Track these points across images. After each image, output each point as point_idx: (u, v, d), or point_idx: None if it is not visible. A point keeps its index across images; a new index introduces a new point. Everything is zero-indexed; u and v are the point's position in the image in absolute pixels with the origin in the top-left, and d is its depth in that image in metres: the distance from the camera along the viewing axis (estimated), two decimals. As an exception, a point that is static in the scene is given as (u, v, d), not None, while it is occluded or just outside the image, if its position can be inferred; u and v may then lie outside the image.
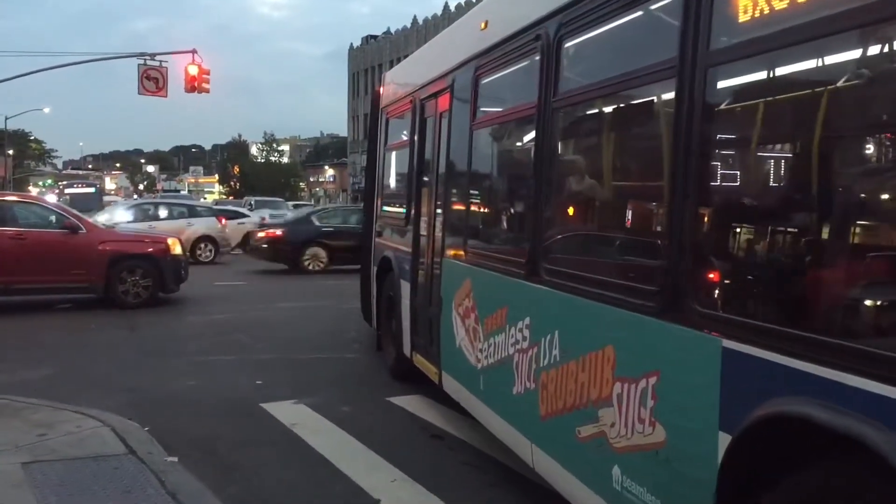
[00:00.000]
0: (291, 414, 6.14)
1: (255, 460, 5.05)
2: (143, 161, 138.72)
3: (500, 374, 4.34)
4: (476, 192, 5.44)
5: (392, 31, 66.54)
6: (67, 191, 40.67)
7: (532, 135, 4.18)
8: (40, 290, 11.61)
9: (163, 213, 20.74)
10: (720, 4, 2.60)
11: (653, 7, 3.23)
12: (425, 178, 6.52)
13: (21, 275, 11.07)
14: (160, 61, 23.07)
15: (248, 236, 23.63)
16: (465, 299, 5.04)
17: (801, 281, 2.42)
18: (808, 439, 2.09)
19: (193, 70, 22.65)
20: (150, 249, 12.22)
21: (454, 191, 5.68)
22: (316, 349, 8.83)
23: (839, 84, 2.30)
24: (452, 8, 54.19)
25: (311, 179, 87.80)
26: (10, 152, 59.86)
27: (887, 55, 2.12)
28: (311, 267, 17.55)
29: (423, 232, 6.35)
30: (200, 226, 20.32)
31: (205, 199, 55.04)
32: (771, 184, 2.67)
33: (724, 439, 2.38)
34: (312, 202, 62.97)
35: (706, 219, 2.71)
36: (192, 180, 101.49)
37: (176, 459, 4.82)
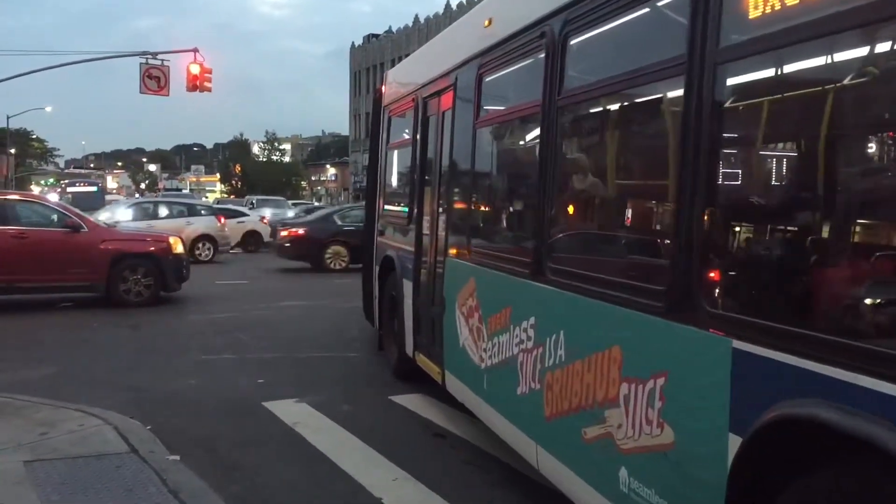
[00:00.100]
0: (293, 413, 6.13)
1: (257, 459, 5.05)
2: (144, 160, 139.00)
3: (505, 374, 4.31)
4: (480, 191, 5.41)
5: (393, 29, 66.53)
6: (69, 189, 40.80)
7: (537, 133, 4.14)
8: (42, 289, 11.61)
9: (162, 211, 20.76)
10: (730, 0, 2.56)
11: (660, 3, 3.19)
12: (428, 177, 6.49)
13: (23, 273, 11.08)
14: (162, 60, 23.12)
15: (247, 235, 23.77)
16: (468, 299, 5.02)
17: (813, 280, 2.38)
18: (821, 441, 2.06)
19: (195, 69, 22.67)
20: (152, 248, 12.23)
21: (457, 190, 5.65)
22: (317, 348, 8.83)
23: (851, 82, 2.26)
24: (454, 7, 54.16)
25: (313, 178, 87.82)
26: (12, 151, 59.91)
27: None
28: (333, 265, 17.60)
29: (426, 231, 6.32)
30: (200, 225, 20.34)
31: (206, 197, 55.06)
32: (782, 182, 2.63)
33: (735, 441, 2.35)
34: (313, 201, 63.03)
35: (715, 217, 2.67)
36: (194, 179, 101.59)
37: (178, 458, 4.82)
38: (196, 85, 22.76)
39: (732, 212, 2.74)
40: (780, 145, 2.70)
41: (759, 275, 2.61)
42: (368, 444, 5.31)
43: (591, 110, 3.93)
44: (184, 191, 64.81)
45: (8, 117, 54.67)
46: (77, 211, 12.86)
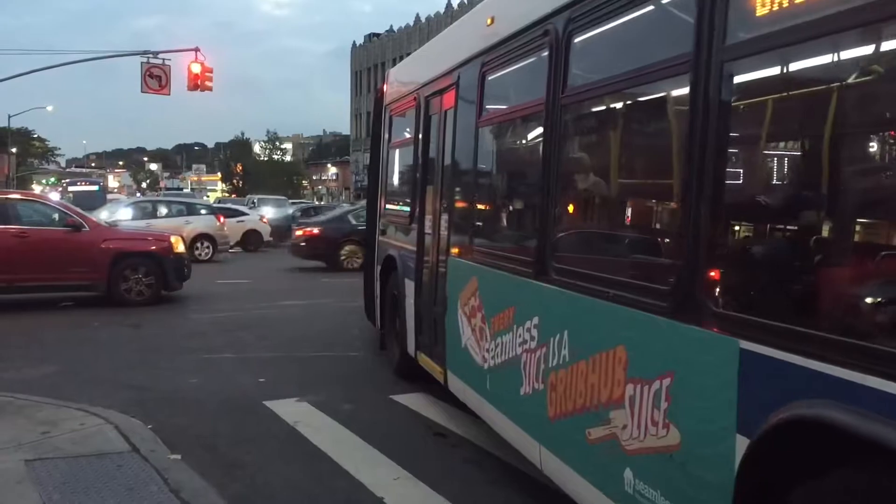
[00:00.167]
0: (294, 411, 6.13)
1: (258, 458, 5.05)
2: (146, 159, 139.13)
3: (508, 374, 4.29)
4: (482, 190, 5.38)
5: (395, 29, 66.46)
6: (71, 188, 40.80)
7: (540, 132, 4.12)
8: (43, 288, 11.61)
9: (161, 210, 20.76)
10: None
11: (665, 0, 3.17)
12: (430, 176, 6.46)
13: (24, 273, 11.08)
14: (163, 59, 23.13)
15: (247, 235, 23.78)
16: (470, 298, 5.00)
17: (822, 280, 2.36)
18: (831, 443, 2.04)
19: (196, 68, 22.66)
20: (154, 247, 12.24)
21: (460, 189, 5.63)
22: (318, 347, 8.82)
23: (860, 80, 2.23)
24: (455, 6, 54.12)
25: (314, 177, 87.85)
26: (14, 150, 59.97)
27: None
28: (348, 264, 17.67)
29: (428, 230, 6.30)
30: (199, 224, 20.35)
31: (207, 197, 55.08)
32: (789, 180, 2.60)
33: (742, 442, 2.32)
34: (314, 200, 63.01)
35: (721, 216, 2.64)
36: (195, 178, 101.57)
37: (179, 457, 4.82)
38: (197, 84, 22.76)
39: (739, 210, 2.71)
40: (788, 144, 2.67)
41: (767, 274, 2.58)
42: (369, 443, 5.31)
43: (596, 109, 3.90)
44: (185, 190, 64.80)
45: (9, 116, 54.75)
46: (78, 210, 12.87)
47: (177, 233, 13.93)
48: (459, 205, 5.59)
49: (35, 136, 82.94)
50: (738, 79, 2.61)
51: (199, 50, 22.87)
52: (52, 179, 72.86)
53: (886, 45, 2.13)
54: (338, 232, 18.03)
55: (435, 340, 5.96)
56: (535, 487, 4.38)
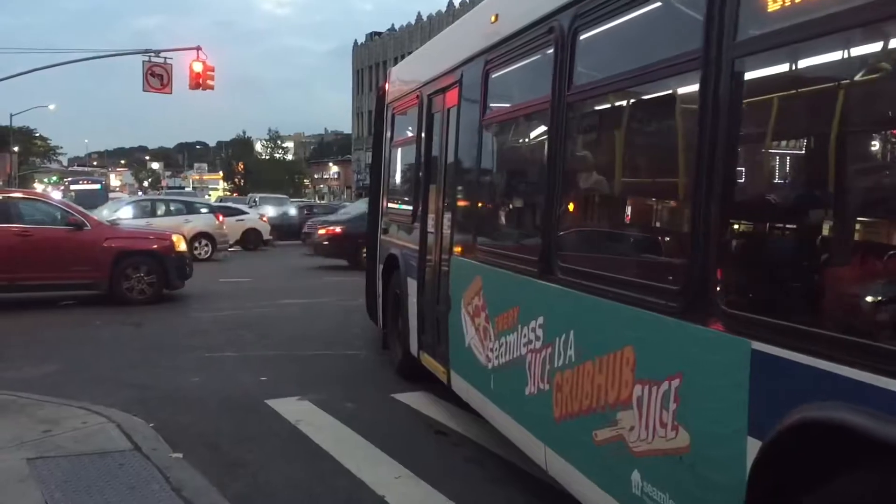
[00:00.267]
0: (296, 410, 6.13)
1: (260, 456, 5.04)
2: (147, 158, 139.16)
3: (512, 374, 4.26)
4: (486, 189, 5.34)
5: (396, 27, 66.44)
6: (73, 187, 40.79)
7: (545, 130, 4.09)
8: (45, 287, 11.61)
9: (160, 209, 20.75)
10: None
11: None
12: (433, 175, 6.43)
13: (26, 271, 11.08)
14: (165, 58, 23.12)
15: (247, 233, 23.78)
16: (474, 298, 4.97)
17: (836, 279, 2.31)
18: (846, 446, 2.01)
19: (198, 67, 22.66)
20: (155, 246, 12.24)
21: (463, 187, 5.60)
22: (320, 346, 8.82)
23: (874, 76, 2.19)
24: (457, 4, 54.08)
25: (316, 176, 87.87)
26: (16, 149, 59.97)
27: None
28: None
29: (431, 229, 6.27)
30: (198, 223, 20.35)
31: (209, 196, 55.10)
32: (802, 178, 2.56)
33: (754, 445, 2.29)
34: (315, 199, 63.04)
35: (732, 215, 2.60)
36: (197, 177, 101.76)
37: (181, 455, 4.82)
38: (199, 83, 22.76)
39: (750, 209, 2.67)
40: (800, 141, 2.63)
41: (779, 274, 2.53)
42: (371, 442, 5.31)
43: (603, 106, 3.85)
44: (187, 189, 64.84)
45: (11, 115, 54.75)
46: (80, 209, 12.88)
47: (176, 231, 13.94)
48: (463, 203, 5.56)
49: (37, 134, 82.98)
50: (748, 76, 2.56)
51: (200, 49, 22.87)
52: (54, 178, 72.88)
53: None
54: (360, 230, 18.04)
55: (438, 340, 5.93)
56: (537, 486, 4.38)
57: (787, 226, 2.59)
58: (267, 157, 77.14)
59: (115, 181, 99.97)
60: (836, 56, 2.32)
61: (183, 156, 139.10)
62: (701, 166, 2.65)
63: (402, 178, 8.13)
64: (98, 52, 26.23)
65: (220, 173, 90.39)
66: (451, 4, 56.34)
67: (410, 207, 6.98)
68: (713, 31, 2.60)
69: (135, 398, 6.36)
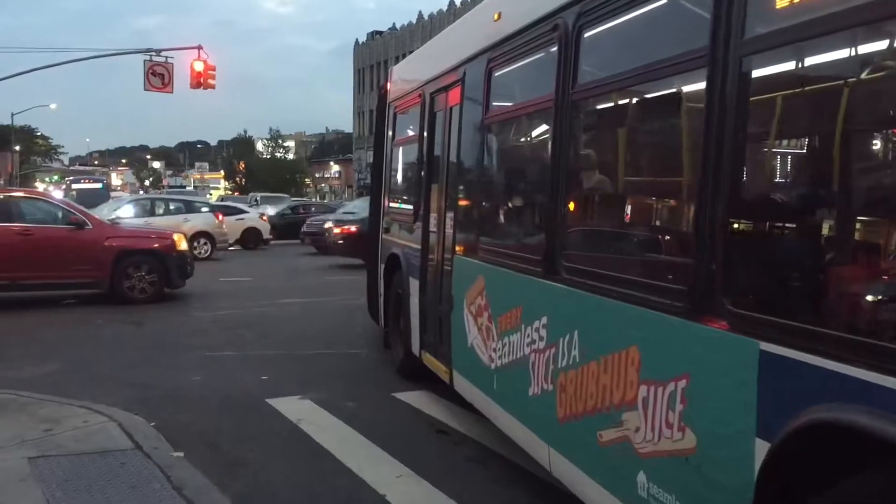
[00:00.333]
0: (297, 409, 6.12)
1: (261, 455, 5.04)
2: (148, 157, 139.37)
3: (516, 374, 4.23)
4: (489, 188, 5.32)
5: (397, 26, 66.43)
6: (74, 186, 40.76)
7: (549, 128, 4.06)
8: (46, 286, 11.63)
9: (159, 208, 20.73)
10: None
11: None
12: (435, 174, 6.40)
13: (27, 270, 11.09)
14: (166, 57, 23.13)
15: (247, 233, 23.79)
16: (477, 297, 4.94)
17: (847, 279, 2.28)
18: (857, 448, 1.98)
19: (199, 66, 22.67)
20: (156, 245, 12.25)
21: (466, 186, 5.58)
22: (320, 345, 8.81)
23: (885, 74, 2.16)
24: (458, 4, 54.05)
25: (317, 175, 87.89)
26: (17, 148, 60.02)
27: None
28: None
29: (433, 228, 6.24)
30: (197, 222, 20.34)
31: (210, 195, 55.12)
32: (812, 177, 2.53)
33: (762, 447, 2.26)
34: (315, 198, 63.04)
35: (739, 214, 2.57)
36: (198, 176, 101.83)
37: (182, 454, 4.82)
38: (200, 82, 22.77)
39: (758, 208, 2.64)
40: (810, 140, 2.59)
41: (788, 273, 2.50)
42: (372, 441, 5.30)
43: (608, 104, 3.82)
44: (188, 188, 64.86)
45: (12, 115, 54.85)
46: (81, 208, 12.90)
47: (175, 231, 13.94)
48: (465, 202, 5.53)
49: (38, 134, 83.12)
50: (756, 73, 2.53)
51: (201, 48, 22.88)
52: (56, 177, 72.97)
53: None
54: None
55: (440, 340, 5.91)
56: (540, 486, 4.37)
57: (796, 225, 2.56)
58: (268, 157, 77.11)
59: (116, 180, 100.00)
60: (846, 54, 2.28)
61: (184, 155, 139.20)
62: (707, 165, 2.61)
63: (403, 177, 8.11)
64: (99, 52, 26.24)
65: (222, 172, 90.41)
66: (452, 3, 56.32)
67: (412, 206, 6.96)
68: (720, 29, 2.57)
69: (136, 397, 6.36)
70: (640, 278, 3.18)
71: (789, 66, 2.50)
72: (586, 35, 3.68)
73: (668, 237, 3.35)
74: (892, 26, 2.08)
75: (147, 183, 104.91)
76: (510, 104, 5.11)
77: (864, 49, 2.22)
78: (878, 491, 1.96)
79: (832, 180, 2.42)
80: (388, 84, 8.45)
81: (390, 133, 8.25)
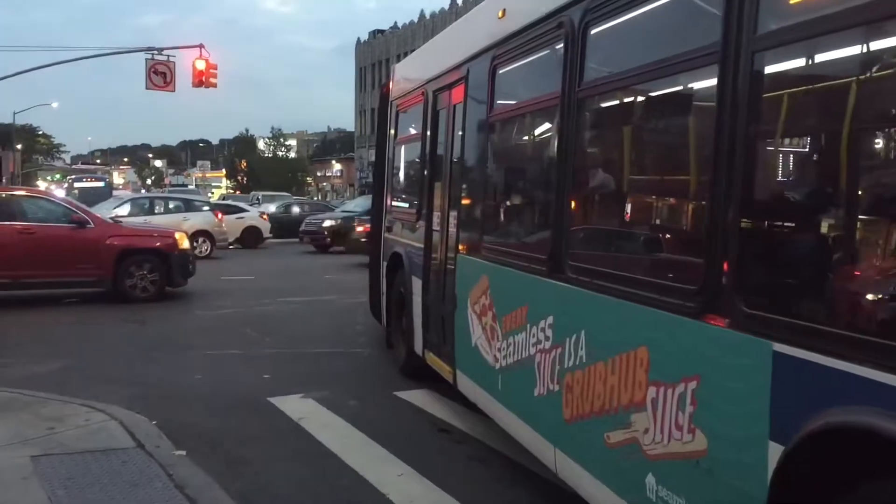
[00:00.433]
0: (299, 408, 6.11)
1: (263, 454, 5.03)
2: (150, 156, 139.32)
3: (520, 374, 4.20)
4: (493, 186, 5.28)
5: (399, 25, 66.41)
6: (77, 185, 40.66)
7: (555, 126, 4.03)
8: (48, 285, 11.63)
9: (159, 207, 20.70)
10: None
11: None
12: (438, 172, 6.38)
13: (29, 269, 11.09)
14: (168, 56, 23.13)
15: (247, 231, 23.78)
16: (481, 297, 4.91)
17: (862, 279, 2.24)
18: (876, 453, 1.94)
19: (201, 65, 22.65)
20: (158, 244, 12.24)
21: (469, 185, 5.54)
22: (322, 344, 8.80)
23: None
24: (460, 3, 54.00)
25: (319, 174, 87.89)
26: (19, 147, 60.09)
27: None
28: None
29: (436, 227, 6.22)
30: (197, 220, 20.29)
31: (211, 194, 55.12)
32: (826, 175, 2.48)
33: (776, 450, 2.22)
34: (315, 197, 63.06)
35: (752, 212, 2.53)
36: (200, 175, 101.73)
37: (184, 453, 4.81)
38: (202, 81, 22.76)
39: (772, 206, 2.60)
40: (824, 138, 2.55)
41: (802, 273, 2.45)
42: (374, 440, 5.29)
43: (615, 102, 3.78)
44: (190, 187, 64.84)
45: (14, 113, 55.01)
46: (83, 206, 12.90)
47: (175, 229, 13.93)
48: (469, 201, 5.50)
49: (40, 132, 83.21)
50: (769, 70, 2.49)
51: (203, 46, 22.86)
52: (58, 176, 73.00)
53: None
54: None
55: (443, 339, 5.88)
56: (542, 485, 4.35)
57: (810, 223, 2.51)
58: (270, 156, 77.13)
59: (118, 179, 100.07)
60: (863, 49, 2.24)
61: (186, 153, 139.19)
62: (719, 162, 2.57)
63: (406, 175, 8.10)
64: (101, 50, 26.26)
65: (223, 171, 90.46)
66: (454, 2, 56.27)
67: (415, 205, 6.94)
68: (732, 24, 2.52)
69: (138, 396, 6.35)
70: (648, 278, 3.14)
71: (804, 62, 2.46)
72: (593, 32, 3.64)
73: (677, 236, 3.31)
74: None
75: (149, 182, 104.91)
76: (515, 102, 5.07)
77: (882, 44, 2.18)
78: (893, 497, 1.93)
79: (848, 178, 2.37)
80: (391, 82, 8.42)
81: (392, 131, 8.24)
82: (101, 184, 41.53)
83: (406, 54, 35.10)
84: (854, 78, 2.29)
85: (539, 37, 4.29)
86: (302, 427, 5.65)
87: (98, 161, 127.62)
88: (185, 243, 12.69)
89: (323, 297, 12.67)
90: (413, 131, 7.47)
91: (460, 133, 5.72)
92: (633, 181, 3.66)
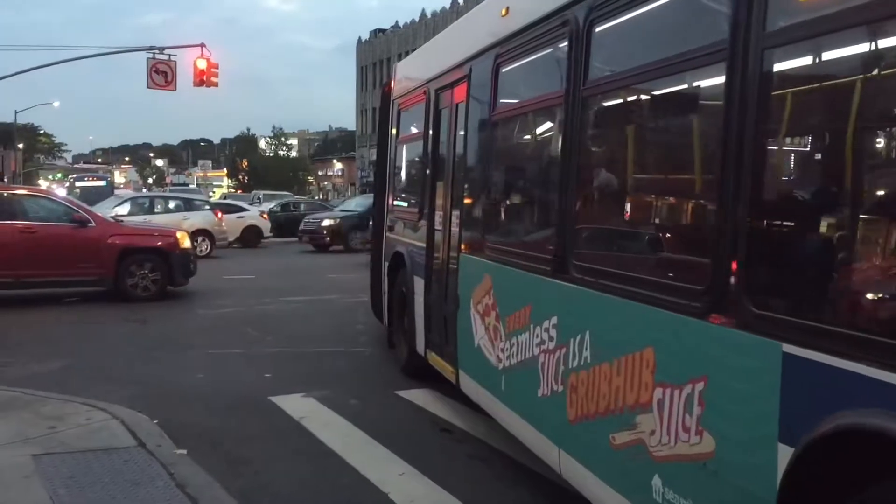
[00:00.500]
0: (300, 407, 6.11)
1: (264, 453, 5.03)
2: (151, 155, 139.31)
3: (524, 375, 4.18)
4: (496, 186, 5.26)
5: (400, 24, 66.37)
6: (78, 184, 40.67)
7: (559, 125, 4.00)
8: (50, 284, 11.62)
9: (158, 206, 20.69)
10: None
11: None
12: (440, 171, 6.35)
13: (31, 268, 11.08)
14: (169, 55, 23.14)
15: (247, 230, 23.76)
16: (484, 296, 4.89)
17: (875, 279, 2.20)
18: (884, 454, 1.92)
19: (202, 64, 22.65)
20: (160, 243, 12.24)
21: (472, 184, 5.52)
22: (324, 343, 8.79)
23: None
24: (461, 1, 53.98)
25: (320, 173, 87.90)
26: (20, 146, 60.14)
27: None
28: None
29: (438, 227, 6.20)
30: (196, 220, 20.26)
31: (212, 193, 55.14)
32: (837, 173, 2.44)
33: (785, 452, 2.19)
34: (316, 196, 63.04)
35: (760, 210, 2.49)
36: (201, 174, 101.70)
37: (185, 452, 4.81)
38: (203, 80, 22.76)
39: (782, 204, 2.57)
40: (835, 136, 2.51)
41: (812, 272, 2.42)
42: (375, 439, 5.28)
43: (620, 100, 3.75)
44: (191, 186, 64.87)
45: (15, 112, 55.02)
46: (84, 205, 12.90)
47: (175, 229, 13.92)
48: (472, 200, 5.47)
49: (41, 131, 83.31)
50: (778, 67, 2.45)
51: (204, 46, 22.86)
52: (59, 175, 73.06)
53: None
54: None
55: (446, 339, 5.85)
56: (543, 483, 4.34)
57: (821, 222, 2.47)
58: (271, 155, 77.12)
59: (119, 178, 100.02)
60: (878, 46, 2.20)
61: (187, 153, 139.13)
62: (728, 161, 2.54)
63: (407, 174, 8.08)
64: (102, 50, 26.27)
65: (225, 170, 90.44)
66: (455, 2, 56.19)
67: (417, 204, 6.92)
68: (741, 21, 2.49)
69: (139, 395, 6.34)
70: (655, 278, 3.11)
71: (814, 59, 2.43)
72: (598, 30, 3.61)
73: (684, 236, 3.27)
74: None
75: (150, 181, 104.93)
76: (519, 101, 5.04)
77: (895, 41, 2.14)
78: None
79: (859, 176, 2.34)
80: (392, 81, 8.41)
81: (394, 131, 8.21)
82: (103, 183, 41.49)
83: (407, 53, 35.07)
84: (867, 75, 2.25)
85: (543, 35, 4.26)
86: (303, 426, 5.64)
87: (99, 160, 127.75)
88: (186, 242, 12.69)
89: (324, 297, 12.67)
90: (415, 130, 7.46)
91: (463, 132, 5.70)
92: (639, 180, 3.63)
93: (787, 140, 2.65)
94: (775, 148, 2.61)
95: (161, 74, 22.96)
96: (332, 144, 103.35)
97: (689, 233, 3.23)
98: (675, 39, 3.10)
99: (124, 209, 19.82)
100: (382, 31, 69.39)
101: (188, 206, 21.14)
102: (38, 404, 5.61)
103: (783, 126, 2.59)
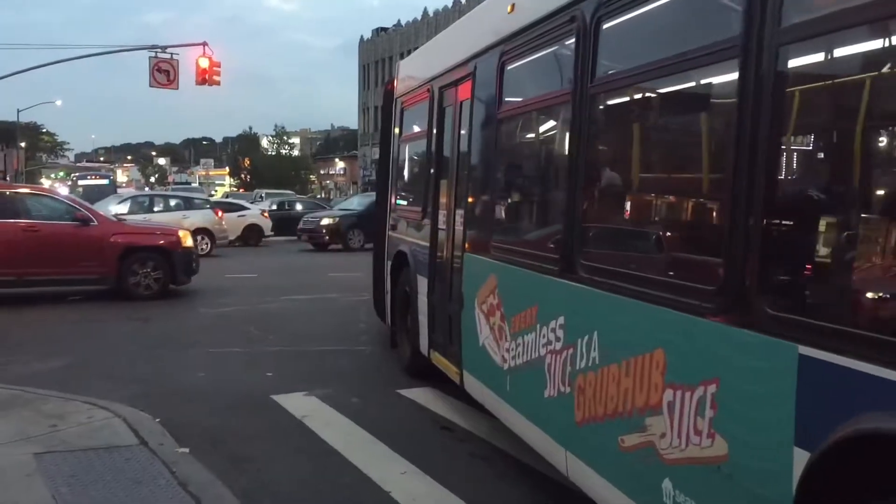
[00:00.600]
0: (302, 406, 6.10)
1: (266, 451, 5.01)
2: (154, 154, 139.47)
3: (530, 376, 4.13)
4: (501, 184, 5.21)
5: (402, 23, 66.41)
6: (81, 182, 40.72)
7: (566, 123, 3.96)
8: (52, 282, 11.61)
9: (158, 205, 20.68)
10: None
11: None
12: (444, 170, 6.31)
13: (33, 267, 11.08)
14: (171, 54, 23.16)
15: (248, 229, 23.73)
16: (489, 296, 4.85)
17: (894, 279, 2.16)
18: None
19: (204, 62, 22.68)
20: (162, 242, 12.23)
21: (477, 182, 5.48)
22: (326, 342, 8.77)
23: None
24: (463, 0, 53.97)
25: (322, 172, 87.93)
26: (23, 145, 60.20)
27: None
28: None
29: (442, 226, 6.15)
30: (196, 218, 20.24)
31: (214, 192, 55.18)
32: (853, 172, 2.39)
33: (801, 456, 2.15)
34: (318, 195, 63.07)
35: (776, 209, 2.45)
36: (203, 173, 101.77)
37: (187, 450, 4.79)
38: (205, 78, 22.78)
39: (797, 203, 2.53)
40: (851, 134, 2.45)
41: (829, 272, 2.37)
42: (377, 438, 5.27)
43: (629, 98, 3.70)
44: (193, 184, 64.89)
45: (18, 111, 55.11)
46: (87, 204, 12.93)
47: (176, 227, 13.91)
48: (476, 199, 5.43)
49: (44, 130, 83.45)
50: (793, 64, 2.40)
51: (206, 44, 22.88)
52: (61, 173, 73.16)
53: None
54: None
55: (450, 339, 5.81)
56: (545, 482, 4.33)
57: (838, 221, 2.43)
58: (273, 153, 77.15)
59: (121, 177, 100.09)
60: (889, 42, 2.15)
61: (189, 151, 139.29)
62: (742, 159, 2.49)
63: (411, 173, 8.05)
64: (104, 48, 26.30)
65: (227, 169, 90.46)
66: (457, 0, 56.23)
67: (420, 203, 6.87)
68: (754, 17, 2.44)
69: (141, 393, 6.33)
70: (665, 278, 3.07)
71: (830, 56, 2.38)
72: (605, 26, 3.56)
73: (696, 235, 3.22)
74: None
75: (152, 180, 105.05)
76: (524, 98, 5.00)
77: None
78: None
79: (877, 173, 2.30)
80: (395, 80, 8.38)
81: (397, 129, 8.18)
82: (105, 181, 41.53)
83: (409, 52, 35.04)
84: (885, 72, 2.20)
85: (550, 32, 4.21)
86: (305, 425, 5.63)
87: (102, 159, 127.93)
88: (188, 241, 12.69)
89: (325, 295, 12.65)
90: (418, 129, 7.42)
91: (467, 130, 5.66)
92: (649, 179, 3.58)
93: (804, 138, 2.60)
94: (791, 146, 2.56)
95: (163, 73, 22.98)
96: (334, 143, 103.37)
97: (701, 232, 3.18)
98: (686, 36, 3.05)
99: (124, 208, 19.83)
100: (385, 29, 69.43)
101: (188, 204, 21.14)
102: (39, 403, 5.60)
103: (799, 124, 2.54)
